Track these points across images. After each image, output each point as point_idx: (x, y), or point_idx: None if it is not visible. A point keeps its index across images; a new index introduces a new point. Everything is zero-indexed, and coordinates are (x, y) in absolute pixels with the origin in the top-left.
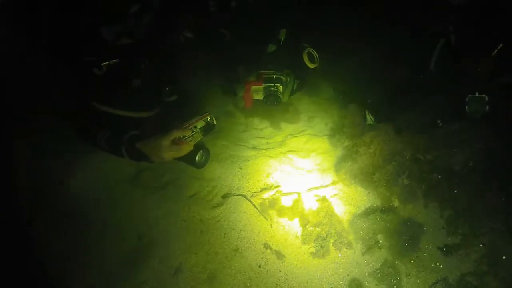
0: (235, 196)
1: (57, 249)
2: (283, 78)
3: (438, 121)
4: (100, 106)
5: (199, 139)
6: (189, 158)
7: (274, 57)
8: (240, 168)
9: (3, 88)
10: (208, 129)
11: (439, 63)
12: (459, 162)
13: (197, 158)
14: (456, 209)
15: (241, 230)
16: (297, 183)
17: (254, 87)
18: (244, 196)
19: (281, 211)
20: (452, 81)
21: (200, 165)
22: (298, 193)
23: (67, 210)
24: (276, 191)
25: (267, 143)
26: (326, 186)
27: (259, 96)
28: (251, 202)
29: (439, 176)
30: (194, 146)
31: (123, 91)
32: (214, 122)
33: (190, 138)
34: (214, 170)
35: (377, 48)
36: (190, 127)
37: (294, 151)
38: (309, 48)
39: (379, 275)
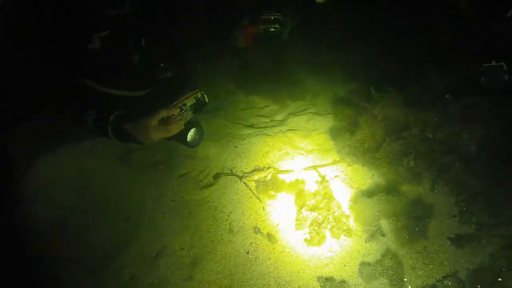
0: (227, 176)
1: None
2: (281, 18)
3: (447, 95)
4: (93, 84)
5: (189, 117)
6: (180, 137)
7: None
8: (235, 147)
9: None
10: (198, 106)
11: None
12: (474, 141)
13: (188, 136)
14: (470, 195)
15: (230, 213)
16: (295, 163)
17: (253, 31)
18: (237, 176)
19: (275, 193)
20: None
21: (192, 144)
22: (295, 173)
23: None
24: (271, 171)
25: (267, 121)
26: (326, 165)
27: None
28: (244, 183)
29: (451, 157)
30: (186, 124)
31: (122, 67)
32: (206, 99)
33: (180, 116)
34: (207, 149)
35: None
36: (178, 105)
37: (294, 130)
38: None
39: (379, 267)
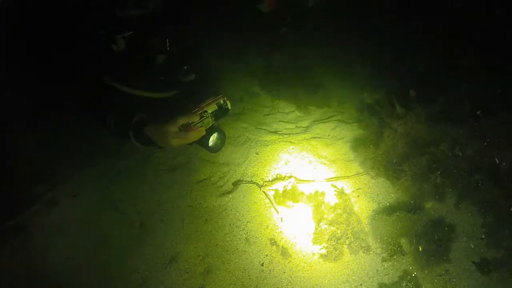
0: (247, 184)
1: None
2: None
3: (478, 112)
4: (118, 84)
5: (211, 124)
6: (202, 142)
7: None
8: (257, 154)
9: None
10: (220, 113)
11: None
12: (508, 159)
13: (210, 142)
14: (501, 217)
15: (248, 222)
16: (317, 173)
17: None
18: (257, 184)
19: (295, 204)
20: None
21: (214, 149)
22: (316, 184)
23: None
24: (292, 181)
25: (291, 127)
26: (348, 177)
27: None
28: (264, 192)
29: (480, 176)
30: (208, 128)
31: (145, 68)
32: (228, 106)
33: (200, 124)
34: (229, 154)
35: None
36: (199, 112)
37: (319, 137)
38: None
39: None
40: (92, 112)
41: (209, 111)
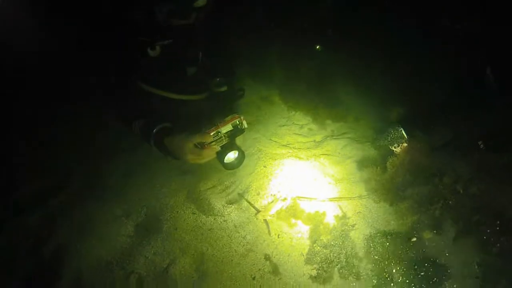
0: (250, 194)
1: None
2: None
3: (479, 143)
4: (151, 88)
5: (224, 143)
6: (218, 157)
7: None
8: (265, 167)
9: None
10: (235, 133)
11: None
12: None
13: (225, 159)
14: (499, 261)
15: (246, 235)
16: (320, 191)
17: None
18: (255, 208)
19: (294, 221)
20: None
21: (228, 167)
22: (317, 203)
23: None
24: (295, 197)
25: (303, 141)
26: (350, 198)
27: None
28: (265, 222)
29: (483, 216)
30: (224, 146)
31: (176, 77)
32: (244, 126)
33: (214, 143)
34: None
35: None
36: (212, 133)
37: (329, 155)
38: None
39: None
40: (120, 113)
41: (223, 131)
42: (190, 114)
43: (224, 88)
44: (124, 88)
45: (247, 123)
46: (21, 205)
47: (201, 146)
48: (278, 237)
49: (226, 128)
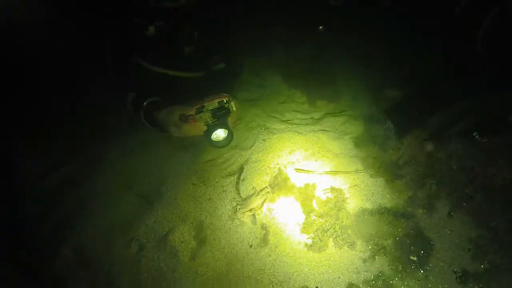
0: (249, 167)
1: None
2: None
3: (475, 134)
4: (147, 64)
5: (210, 121)
6: (205, 135)
7: None
8: (264, 141)
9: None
10: (220, 112)
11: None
12: (505, 176)
13: (213, 137)
14: (491, 232)
15: (248, 208)
16: (317, 165)
17: None
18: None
19: (291, 193)
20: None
21: (215, 144)
22: (314, 176)
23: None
24: (292, 170)
25: (302, 118)
26: (347, 172)
27: None
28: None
29: (473, 188)
30: (211, 125)
31: (173, 55)
32: (232, 108)
33: (197, 117)
34: (237, 138)
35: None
36: (196, 106)
37: (327, 131)
38: None
39: (373, 286)
40: (115, 88)
41: (209, 108)
42: (186, 91)
43: (221, 66)
44: (120, 68)
45: (237, 104)
46: (32, 176)
47: (185, 119)
48: (273, 210)
49: (212, 105)
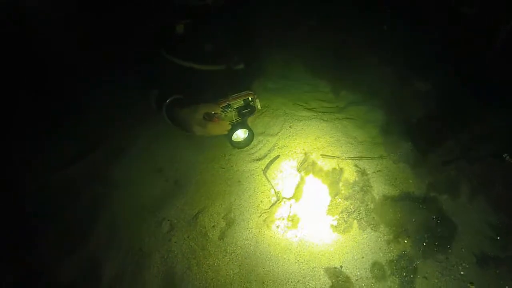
0: (276, 151)
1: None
2: None
3: (505, 155)
4: (173, 58)
5: (235, 119)
6: (228, 135)
7: None
8: (290, 127)
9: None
10: (246, 110)
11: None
12: None
13: (234, 137)
14: None
15: (271, 188)
16: (342, 150)
17: None
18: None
19: (317, 175)
20: None
21: (236, 145)
22: (339, 161)
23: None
24: (318, 154)
25: (327, 106)
26: (371, 158)
27: None
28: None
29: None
30: (234, 124)
31: (195, 51)
32: (258, 105)
33: (223, 115)
34: (264, 125)
35: None
36: (222, 105)
37: (352, 119)
38: None
39: (395, 266)
40: (139, 86)
41: (234, 106)
42: (207, 88)
43: (240, 66)
44: (145, 61)
45: (260, 102)
46: (64, 160)
47: (209, 118)
48: (302, 190)
49: (237, 103)
